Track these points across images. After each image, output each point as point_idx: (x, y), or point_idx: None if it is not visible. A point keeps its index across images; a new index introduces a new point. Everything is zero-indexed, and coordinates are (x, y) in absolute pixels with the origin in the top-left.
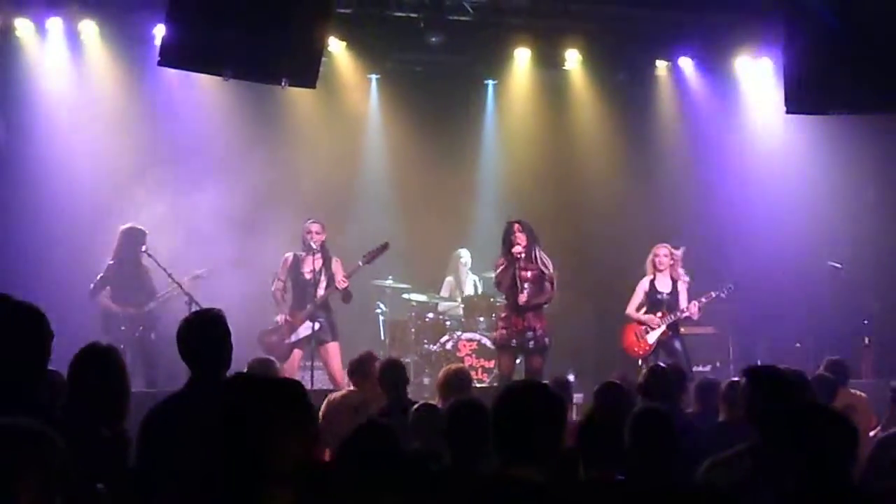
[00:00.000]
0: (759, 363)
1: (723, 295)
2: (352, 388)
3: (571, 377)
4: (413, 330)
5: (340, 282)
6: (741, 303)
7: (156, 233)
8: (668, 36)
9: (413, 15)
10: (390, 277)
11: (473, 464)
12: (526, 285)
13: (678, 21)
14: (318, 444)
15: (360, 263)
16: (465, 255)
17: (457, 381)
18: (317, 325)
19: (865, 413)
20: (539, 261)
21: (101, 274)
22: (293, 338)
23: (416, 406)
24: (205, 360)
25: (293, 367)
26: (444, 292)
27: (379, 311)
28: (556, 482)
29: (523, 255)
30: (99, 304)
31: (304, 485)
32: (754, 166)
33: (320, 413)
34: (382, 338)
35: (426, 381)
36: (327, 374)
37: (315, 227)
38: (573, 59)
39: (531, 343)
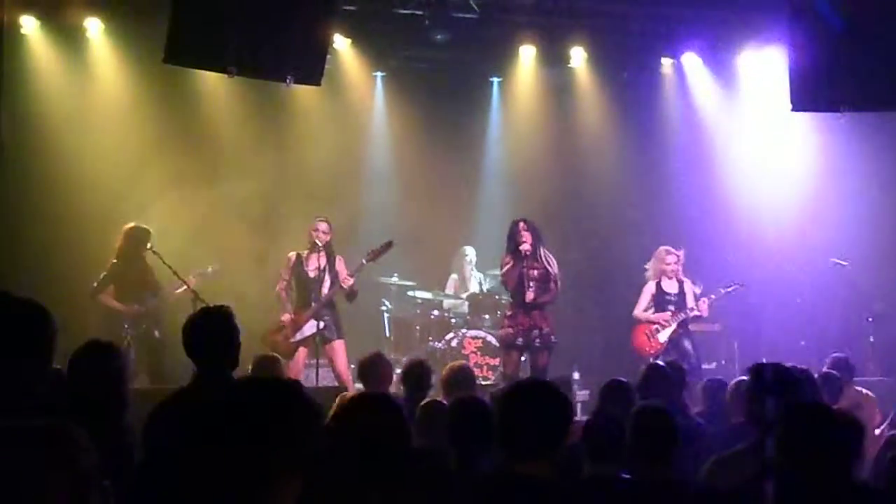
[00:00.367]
0: (763, 361)
1: (732, 292)
2: (362, 388)
3: (576, 375)
4: (418, 327)
5: (345, 280)
6: (746, 300)
7: (161, 231)
8: (673, 33)
9: (418, 12)
10: (395, 275)
11: (475, 461)
12: (532, 284)
13: (683, 18)
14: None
15: (364, 261)
16: (470, 252)
17: (461, 379)
18: (322, 324)
19: (871, 411)
20: (544, 259)
21: (105, 273)
22: (298, 336)
23: (423, 402)
24: (210, 356)
25: (299, 365)
26: (449, 290)
27: (384, 308)
28: (561, 479)
29: (529, 253)
30: (102, 303)
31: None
32: (759, 164)
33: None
34: (387, 335)
35: (431, 378)
36: (333, 372)
37: (322, 226)
38: (578, 57)
39: (537, 341)
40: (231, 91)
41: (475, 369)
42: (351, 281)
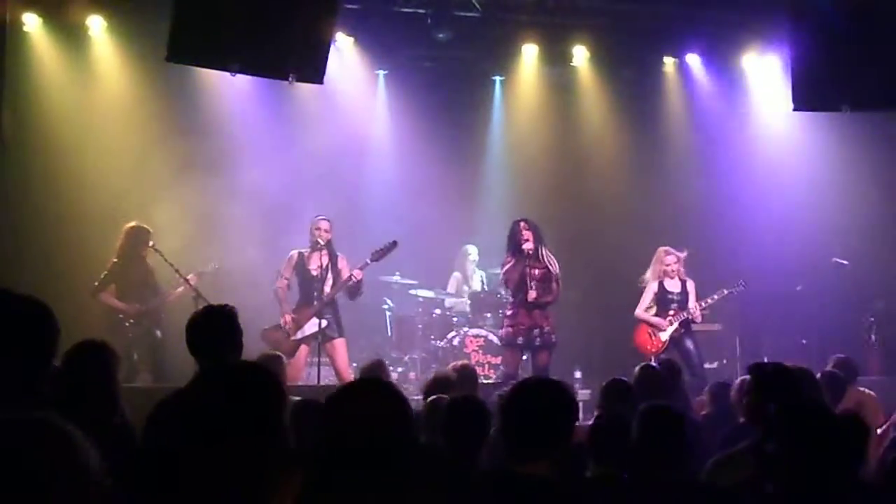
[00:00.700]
0: (765, 360)
1: (734, 292)
2: None
3: (578, 374)
4: (420, 326)
5: (357, 272)
6: (748, 300)
7: (163, 229)
8: (676, 33)
9: (420, 11)
10: (397, 273)
11: (472, 460)
12: (534, 283)
13: (686, 18)
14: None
15: (369, 261)
16: (472, 250)
17: (463, 378)
18: (324, 322)
19: (874, 411)
20: (546, 259)
21: (106, 272)
22: (299, 334)
23: (429, 399)
24: (213, 355)
25: (300, 363)
26: (451, 288)
27: (386, 306)
28: (564, 479)
29: (532, 253)
30: (103, 302)
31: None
32: (761, 163)
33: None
34: (389, 334)
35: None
36: (334, 370)
37: (324, 225)
38: (580, 56)
39: (538, 340)
40: (234, 90)
41: (477, 368)
42: (360, 274)
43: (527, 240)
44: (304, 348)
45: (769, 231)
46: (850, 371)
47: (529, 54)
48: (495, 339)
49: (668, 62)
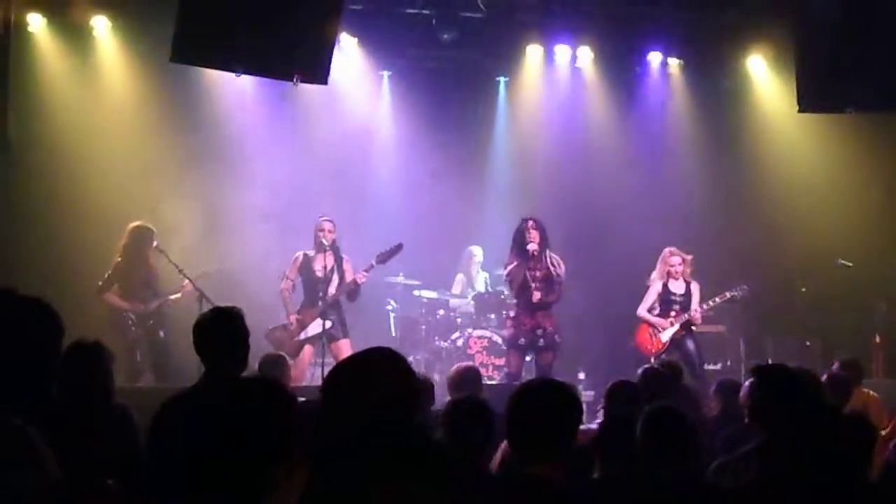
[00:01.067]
0: (768, 362)
1: (738, 295)
2: None
3: (581, 375)
4: (424, 327)
5: (360, 276)
6: (751, 301)
7: (167, 230)
8: (681, 34)
9: (425, 11)
10: (401, 274)
11: (476, 461)
12: (536, 284)
13: (691, 19)
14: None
15: (374, 263)
16: (477, 251)
17: (467, 379)
18: (328, 323)
19: (878, 412)
20: (549, 261)
21: (110, 271)
22: (303, 335)
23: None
24: (219, 356)
25: (304, 363)
26: (455, 289)
27: (390, 307)
28: (571, 480)
29: (536, 254)
30: (107, 301)
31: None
32: (765, 164)
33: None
34: (393, 334)
35: (437, 377)
36: None
37: (328, 225)
38: (585, 57)
39: (541, 341)
40: (238, 90)
41: (481, 369)
42: (364, 277)
43: (532, 240)
44: (308, 349)
45: (773, 232)
46: (856, 372)
47: (534, 55)
48: (499, 340)
49: (673, 63)
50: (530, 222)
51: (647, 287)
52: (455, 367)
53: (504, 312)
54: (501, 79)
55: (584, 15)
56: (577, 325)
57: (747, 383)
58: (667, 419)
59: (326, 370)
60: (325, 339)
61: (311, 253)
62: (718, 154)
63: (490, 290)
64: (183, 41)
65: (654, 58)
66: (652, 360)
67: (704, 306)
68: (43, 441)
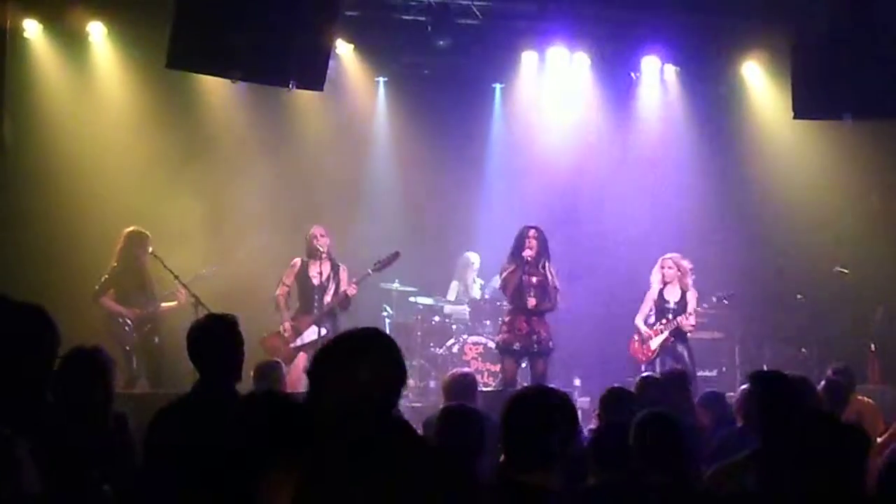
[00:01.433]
0: (764, 368)
1: (725, 301)
2: None
3: (577, 382)
4: (419, 333)
5: (351, 288)
6: (747, 307)
7: (162, 235)
8: (677, 40)
9: (420, 18)
10: (396, 280)
11: (468, 468)
12: (531, 290)
13: (686, 24)
14: None
15: (370, 272)
16: (473, 258)
17: (462, 385)
18: (323, 331)
19: (873, 419)
20: (546, 270)
21: (106, 276)
22: (298, 342)
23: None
24: (213, 364)
25: (299, 370)
26: (450, 295)
27: (385, 314)
28: (566, 487)
29: (531, 260)
30: (104, 306)
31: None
32: (761, 171)
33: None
34: None
35: (432, 384)
36: None
37: (319, 231)
38: (581, 63)
39: (535, 347)
40: (233, 96)
41: (476, 375)
42: (354, 290)
43: (529, 247)
44: (302, 356)
45: (769, 239)
46: (851, 380)
47: (529, 62)
48: (494, 347)
49: (669, 69)
50: (532, 230)
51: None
52: (450, 372)
53: (500, 319)
54: (497, 85)
55: (580, 21)
56: (573, 331)
57: (741, 388)
58: (659, 425)
59: None
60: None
61: (308, 260)
62: (714, 160)
63: (486, 296)
64: (178, 47)
65: (650, 64)
66: (643, 368)
67: (690, 313)
68: (28, 454)
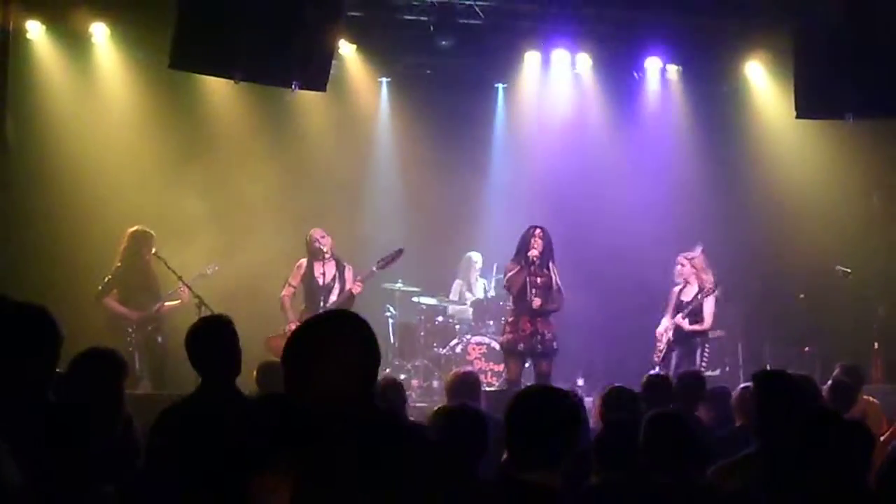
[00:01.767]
0: (767, 367)
1: (718, 297)
2: None
3: (580, 381)
4: (422, 333)
5: (356, 286)
6: (750, 306)
7: (165, 235)
8: (679, 40)
9: (423, 18)
10: (399, 281)
11: (471, 468)
12: (536, 291)
13: (688, 25)
14: None
15: (374, 269)
16: (476, 258)
17: (466, 385)
18: None
19: (877, 419)
20: (551, 270)
21: (109, 276)
22: None
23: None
24: (214, 366)
25: None
26: (454, 295)
27: (388, 314)
28: (569, 486)
29: (536, 261)
30: (106, 306)
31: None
32: (763, 170)
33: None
34: (392, 341)
35: (435, 384)
36: None
37: (319, 234)
38: (583, 63)
39: (539, 347)
40: (236, 96)
41: (479, 375)
42: (359, 288)
43: (535, 247)
44: None
45: (772, 238)
46: (858, 379)
47: (532, 62)
48: (498, 347)
49: (671, 69)
50: (537, 230)
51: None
52: (453, 372)
53: (503, 319)
54: (500, 85)
55: (583, 21)
56: (576, 331)
57: (740, 387)
58: (667, 425)
59: None
60: None
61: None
62: (716, 160)
63: (489, 296)
64: (181, 48)
65: (653, 64)
66: (657, 368)
67: (686, 316)
68: (9, 457)
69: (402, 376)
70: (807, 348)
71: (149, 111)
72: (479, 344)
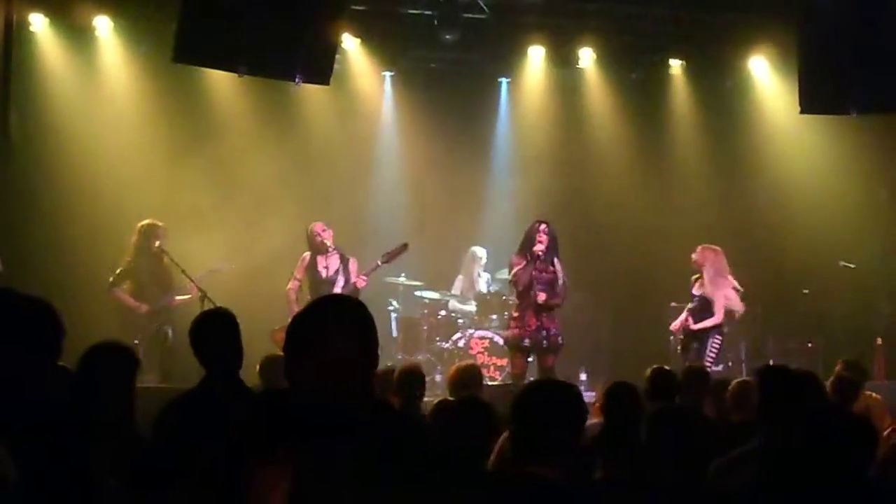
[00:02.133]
0: (770, 363)
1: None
2: None
3: (584, 376)
4: (425, 327)
5: (359, 280)
6: (753, 302)
7: (168, 228)
8: (683, 35)
9: (427, 12)
10: (403, 275)
11: (479, 461)
12: (541, 286)
13: (692, 20)
14: None
15: (379, 262)
16: (480, 252)
17: (468, 378)
18: None
19: (880, 414)
20: (555, 265)
21: (121, 268)
22: None
23: (437, 402)
24: (217, 359)
25: None
26: (456, 290)
27: (391, 308)
28: (573, 480)
29: (542, 256)
30: (115, 297)
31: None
32: (767, 166)
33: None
34: (394, 335)
35: (438, 378)
36: None
37: (320, 227)
38: (587, 58)
39: (544, 343)
40: (240, 90)
41: (482, 369)
42: (364, 282)
43: (540, 242)
44: None
45: (775, 233)
46: (860, 374)
47: (536, 56)
48: (501, 341)
49: (675, 64)
50: (542, 226)
51: None
52: (455, 365)
53: (506, 314)
54: (503, 80)
55: (587, 16)
56: (580, 326)
57: (735, 382)
58: (670, 420)
59: None
60: None
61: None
62: (720, 154)
63: (492, 291)
64: (185, 41)
65: (657, 58)
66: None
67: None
68: (8, 457)
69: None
70: (810, 343)
71: (152, 104)
72: (481, 338)
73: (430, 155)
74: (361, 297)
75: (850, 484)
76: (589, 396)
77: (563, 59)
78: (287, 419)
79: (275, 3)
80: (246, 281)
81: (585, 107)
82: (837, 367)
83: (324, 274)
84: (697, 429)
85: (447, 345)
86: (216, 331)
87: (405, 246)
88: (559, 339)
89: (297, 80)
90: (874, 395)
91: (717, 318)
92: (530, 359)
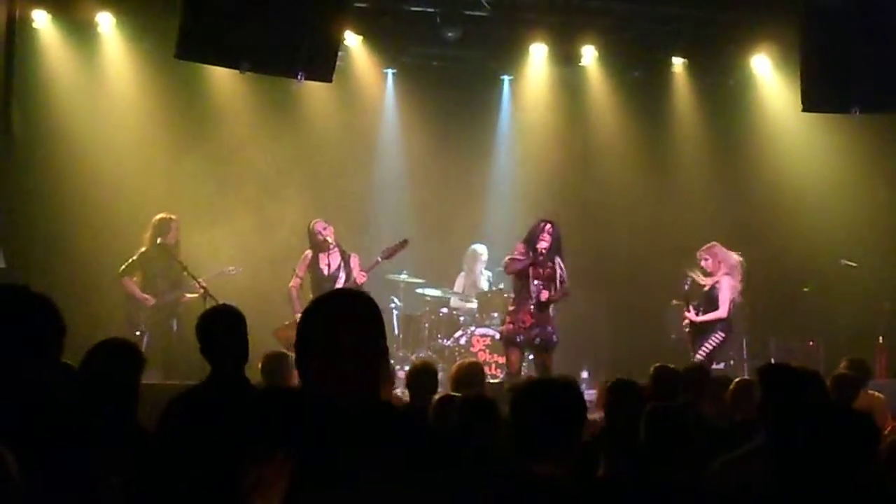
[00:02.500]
0: (772, 361)
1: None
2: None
3: (585, 374)
4: (427, 325)
5: (359, 276)
6: (755, 300)
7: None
8: (685, 33)
9: (429, 9)
10: (404, 272)
11: (481, 457)
12: (542, 283)
13: (695, 18)
14: None
15: (379, 259)
16: (481, 250)
17: (469, 376)
18: None
19: (882, 413)
20: (556, 263)
21: (133, 258)
22: None
23: (438, 398)
24: (224, 355)
25: None
26: (458, 287)
27: (393, 305)
28: (575, 478)
29: (544, 254)
30: (124, 286)
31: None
32: (769, 164)
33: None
34: (396, 332)
35: (439, 375)
36: None
37: (321, 225)
38: (589, 55)
39: (537, 340)
40: (242, 87)
41: (484, 367)
42: (364, 278)
43: (543, 240)
44: None
45: (777, 231)
46: (863, 373)
47: (538, 54)
48: None
49: (677, 62)
50: (548, 226)
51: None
52: (458, 363)
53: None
54: (505, 77)
55: (589, 13)
56: (581, 324)
57: (735, 381)
58: (667, 419)
59: None
60: None
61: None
62: (722, 153)
63: (493, 288)
64: (187, 38)
65: (659, 56)
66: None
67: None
68: (15, 465)
69: (407, 368)
70: (812, 342)
71: (154, 100)
72: (483, 336)
73: (432, 152)
74: None
75: (853, 482)
76: (590, 395)
77: (564, 57)
78: (288, 417)
79: (277, 0)
80: (248, 278)
81: (587, 105)
82: (841, 366)
83: (325, 271)
84: (688, 427)
85: (448, 342)
86: (223, 327)
87: (405, 242)
88: (553, 337)
89: (299, 77)
90: (877, 394)
91: (721, 312)
92: (529, 356)
